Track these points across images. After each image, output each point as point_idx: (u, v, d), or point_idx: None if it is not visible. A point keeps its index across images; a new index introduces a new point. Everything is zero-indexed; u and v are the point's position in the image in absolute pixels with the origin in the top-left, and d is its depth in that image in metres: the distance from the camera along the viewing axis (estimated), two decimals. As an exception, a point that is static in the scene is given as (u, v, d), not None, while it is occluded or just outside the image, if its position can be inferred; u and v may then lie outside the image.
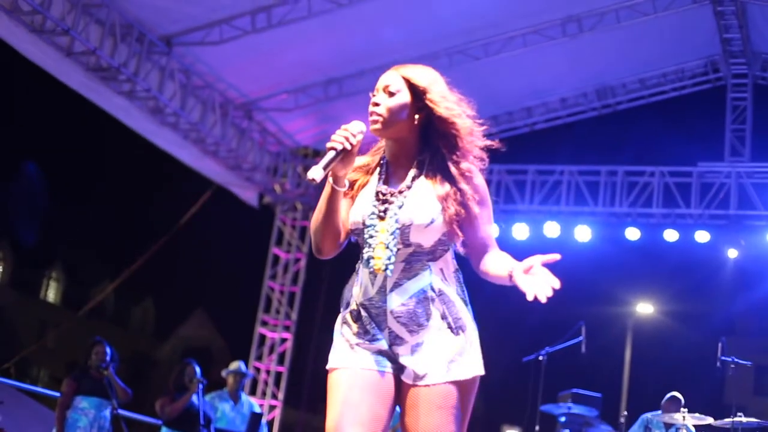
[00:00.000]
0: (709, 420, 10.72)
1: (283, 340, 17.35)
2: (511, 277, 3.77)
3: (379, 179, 4.04)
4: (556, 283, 3.65)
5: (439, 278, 3.91)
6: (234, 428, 11.27)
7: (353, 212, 4.01)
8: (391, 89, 3.99)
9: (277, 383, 17.17)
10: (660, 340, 35.38)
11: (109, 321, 48.24)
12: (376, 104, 3.99)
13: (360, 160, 4.11)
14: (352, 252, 4.11)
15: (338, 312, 4.08)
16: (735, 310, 39.65)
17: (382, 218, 3.92)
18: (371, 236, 3.91)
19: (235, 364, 11.91)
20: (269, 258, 17.63)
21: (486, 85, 16.08)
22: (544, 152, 17.37)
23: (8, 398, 11.72)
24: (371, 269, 3.90)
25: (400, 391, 3.93)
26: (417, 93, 4.00)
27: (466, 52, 15.14)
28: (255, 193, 17.34)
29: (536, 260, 3.73)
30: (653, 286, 32.55)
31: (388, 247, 3.87)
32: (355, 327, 3.98)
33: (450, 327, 3.89)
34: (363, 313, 3.96)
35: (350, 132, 3.88)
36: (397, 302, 3.88)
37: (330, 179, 3.92)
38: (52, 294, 50.48)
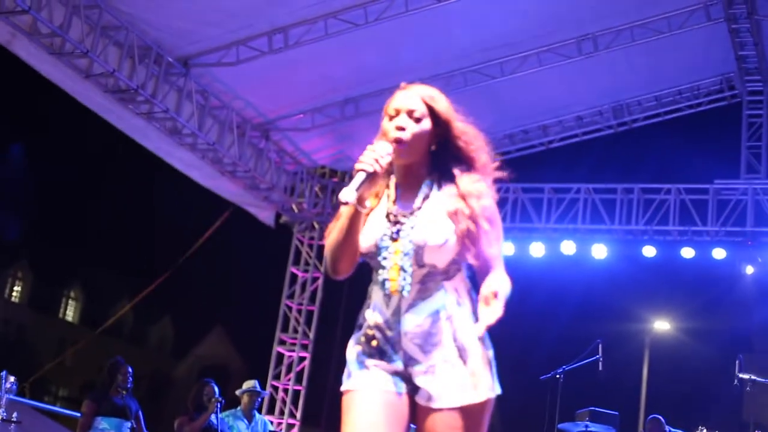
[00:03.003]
0: (727, 437, 10.75)
1: (301, 359, 17.39)
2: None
3: (389, 201, 4.02)
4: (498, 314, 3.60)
5: (454, 298, 3.90)
6: (250, 447, 11.33)
7: (365, 235, 3.98)
8: (416, 115, 4.00)
9: (294, 402, 17.19)
10: (677, 358, 35.27)
11: (128, 340, 48.39)
12: (402, 128, 3.98)
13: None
14: (368, 276, 4.10)
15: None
16: (753, 326, 39.49)
17: (395, 240, 3.91)
18: (385, 258, 3.91)
19: (250, 383, 11.94)
20: (287, 277, 17.69)
21: (502, 104, 16.17)
22: (561, 170, 17.41)
23: (26, 418, 11.77)
24: (387, 291, 3.90)
25: (415, 411, 3.91)
26: (438, 122, 4.02)
27: (481, 71, 15.21)
28: (272, 213, 17.39)
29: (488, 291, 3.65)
30: (670, 303, 32.47)
31: (402, 269, 3.87)
32: (369, 349, 3.96)
33: (462, 348, 3.85)
34: (378, 335, 3.94)
35: (379, 153, 3.89)
36: (411, 323, 3.86)
37: (353, 202, 3.88)
38: (71, 313, 50.66)
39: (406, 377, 3.91)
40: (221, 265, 42.82)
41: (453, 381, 3.82)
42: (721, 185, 15.87)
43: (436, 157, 4.04)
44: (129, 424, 9.93)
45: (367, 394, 3.89)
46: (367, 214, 4.03)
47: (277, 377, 17.23)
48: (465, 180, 3.96)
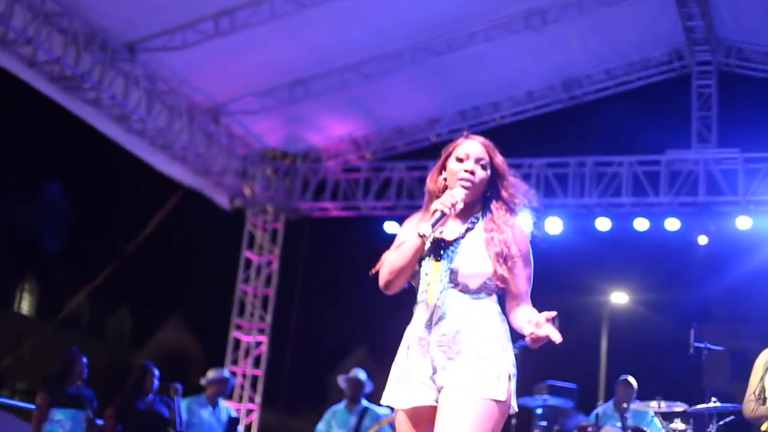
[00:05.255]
0: (684, 407, 10.79)
1: (258, 344, 17.33)
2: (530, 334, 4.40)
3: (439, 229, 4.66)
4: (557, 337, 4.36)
5: (479, 315, 4.54)
6: (211, 433, 11.27)
7: None
8: (482, 163, 4.74)
9: (253, 387, 17.14)
10: (636, 329, 35.49)
11: (86, 330, 48.02)
12: (472, 172, 4.70)
13: (418, 216, 4.87)
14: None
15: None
16: (709, 296, 39.82)
17: (437, 260, 4.63)
18: (427, 274, 4.63)
19: (218, 372, 11.89)
20: (241, 261, 17.61)
21: (451, 81, 16.15)
22: (513, 146, 17.33)
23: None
24: (425, 301, 4.61)
25: (439, 403, 4.54)
26: (495, 172, 4.76)
27: (429, 49, 15.16)
28: (227, 197, 17.29)
29: (541, 317, 4.39)
30: (627, 275, 32.66)
31: (441, 284, 4.58)
32: (407, 361, 4.64)
33: (481, 357, 4.47)
34: (414, 346, 4.62)
35: (456, 198, 4.60)
36: (439, 333, 4.52)
37: (422, 233, 4.57)
38: (26, 306, 50.23)
39: (434, 385, 4.54)
40: (176, 251, 42.56)
41: (466, 377, 4.43)
42: (672, 156, 15.95)
43: (487, 201, 4.78)
44: (84, 415, 9.84)
45: (406, 412, 4.63)
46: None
47: (234, 362, 17.16)
48: (501, 214, 4.71)
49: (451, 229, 4.68)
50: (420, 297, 4.65)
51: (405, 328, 4.75)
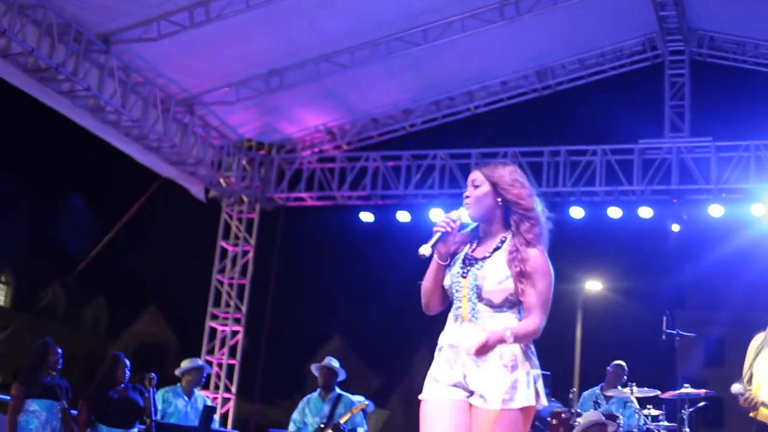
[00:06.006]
0: (656, 392, 10.90)
1: (234, 333, 17.35)
2: None
3: (470, 249, 5.11)
4: None
5: (503, 326, 4.84)
6: (187, 423, 11.29)
7: (448, 274, 5.09)
8: (475, 183, 5.12)
9: (229, 376, 17.16)
10: (610, 317, 35.68)
11: (61, 321, 47.88)
12: (467, 196, 5.11)
13: (461, 238, 5.16)
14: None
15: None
16: (682, 283, 40.08)
17: (464, 277, 5.01)
18: (457, 291, 5.02)
19: (193, 361, 11.91)
20: (217, 251, 17.63)
21: (427, 71, 16.23)
22: (487, 135, 17.50)
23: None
24: (458, 317, 5.02)
25: (472, 413, 4.93)
26: (494, 184, 5.08)
27: (405, 39, 15.21)
28: (202, 187, 17.29)
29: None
30: (601, 263, 32.84)
31: (470, 300, 4.98)
32: (441, 364, 5.02)
33: (505, 365, 4.86)
34: (447, 352, 5.01)
35: (452, 218, 5.04)
36: (468, 343, 4.84)
37: (435, 256, 5.05)
38: (2, 298, 50.08)
39: (465, 387, 4.93)
40: (152, 242, 42.53)
41: (497, 389, 4.83)
42: (645, 145, 16.07)
43: (507, 218, 5.11)
44: (59, 405, 9.86)
45: (436, 403, 4.98)
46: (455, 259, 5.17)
47: (210, 352, 17.18)
48: (522, 233, 5.02)
49: (483, 248, 5.09)
50: (455, 311, 5.05)
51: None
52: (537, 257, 4.97)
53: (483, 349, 4.74)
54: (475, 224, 5.19)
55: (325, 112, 17.06)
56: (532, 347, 4.99)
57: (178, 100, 15.54)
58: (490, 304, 4.96)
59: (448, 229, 5.02)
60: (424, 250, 4.93)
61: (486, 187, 5.09)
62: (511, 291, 4.94)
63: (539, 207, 5.09)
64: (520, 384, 4.85)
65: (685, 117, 16.12)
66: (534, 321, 4.88)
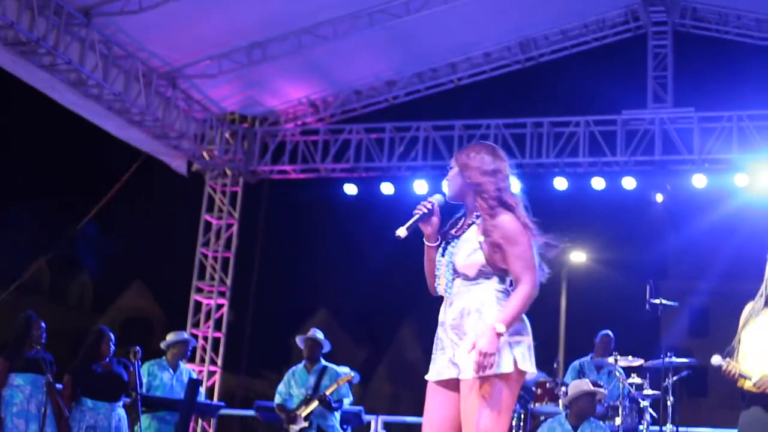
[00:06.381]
0: (640, 361, 10.96)
1: (219, 306, 17.36)
2: None
3: (453, 229, 5.40)
4: None
5: (479, 300, 5.15)
6: (173, 396, 11.30)
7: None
8: (450, 165, 5.44)
9: (215, 349, 17.18)
10: (595, 288, 35.76)
11: (47, 297, 47.78)
12: (447, 179, 5.44)
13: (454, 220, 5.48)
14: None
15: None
16: (665, 253, 40.22)
17: (443, 255, 5.30)
18: (438, 269, 5.32)
19: (178, 334, 11.90)
20: (201, 225, 17.60)
21: (409, 43, 16.19)
22: (471, 107, 17.51)
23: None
24: (439, 292, 5.32)
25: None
26: (461, 166, 5.37)
27: (387, 11, 15.15)
28: (184, 161, 17.24)
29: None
30: (585, 234, 32.84)
31: (445, 276, 5.26)
32: (435, 343, 5.30)
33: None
34: (439, 329, 5.29)
35: (428, 201, 5.31)
36: (450, 317, 5.20)
37: (424, 239, 5.36)
38: (-15, 273, 49.92)
39: (454, 361, 5.14)
40: (137, 216, 42.43)
41: (471, 359, 4.98)
42: (628, 116, 16.09)
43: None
44: (44, 379, 9.84)
45: (431, 384, 5.29)
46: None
47: (196, 325, 17.19)
48: (486, 211, 5.25)
49: (460, 226, 5.38)
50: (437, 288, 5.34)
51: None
52: (503, 224, 5.18)
53: (485, 360, 4.90)
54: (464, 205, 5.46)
55: (307, 85, 17.02)
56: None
57: (160, 73, 15.48)
58: (466, 278, 5.21)
59: (425, 210, 5.27)
60: (400, 231, 5.18)
61: (455, 169, 5.39)
62: (482, 263, 5.17)
63: (503, 182, 5.31)
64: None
65: (668, 88, 16.13)
66: (522, 289, 5.09)
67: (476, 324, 5.06)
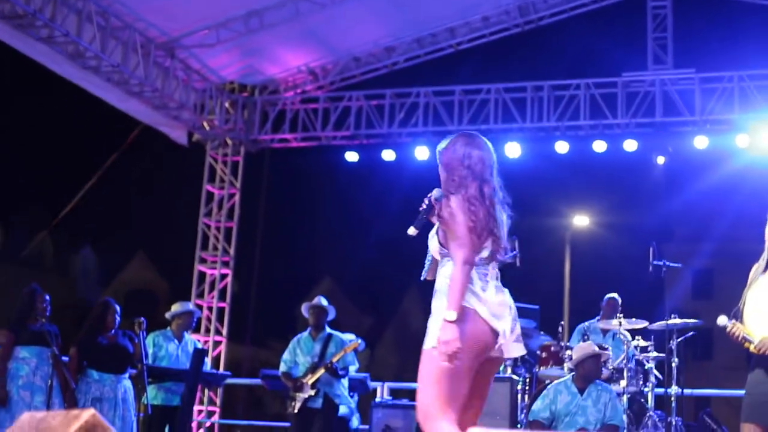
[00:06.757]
0: (645, 324, 10.96)
1: (223, 276, 17.38)
2: None
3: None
4: None
5: (443, 280, 5.39)
6: (179, 366, 11.32)
7: None
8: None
9: (220, 319, 17.21)
10: (599, 251, 35.78)
11: (51, 271, 47.86)
12: None
13: None
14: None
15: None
16: (668, 215, 40.19)
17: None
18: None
19: (183, 305, 11.90)
20: (203, 195, 17.59)
21: (408, 8, 16.12)
22: (470, 72, 17.43)
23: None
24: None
25: None
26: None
27: (385, -24, 15.11)
28: (184, 132, 17.22)
29: None
30: (587, 197, 32.88)
31: (426, 260, 5.63)
32: None
33: (433, 314, 5.40)
34: None
35: (428, 196, 5.51)
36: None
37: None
38: (-10, 248, 50.04)
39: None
40: (138, 188, 42.43)
41: (429, 332, 5.34)
42: (629, 77, 16.03)
43: None
44: (50, 351, 9.85)
45: None
46: None
47: (200, 296, 17.21)
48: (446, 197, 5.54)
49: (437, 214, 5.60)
50: None
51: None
52: (450, 204, 5.41)
53: (446, 347, 5.15)
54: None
55: (306, 52, 16.96)
56: (477, 287, 5.33)
57: (158, 44, 15.43)
58: (438, 260, 5.53)
59: (424, 206, 5.51)
60: (411, 231, 5.47)
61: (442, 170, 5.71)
62: (440, 247, 5.46)
63: (471, 168, 5.56)
64: (436, 327, 5.29)
65: (668, 49, 16.06)
66: (454, 269, 5.31)
67: (436, 304, 5.39)
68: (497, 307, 5.36)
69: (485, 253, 5.39)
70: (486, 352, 5.31)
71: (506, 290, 5.50)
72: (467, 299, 5.26)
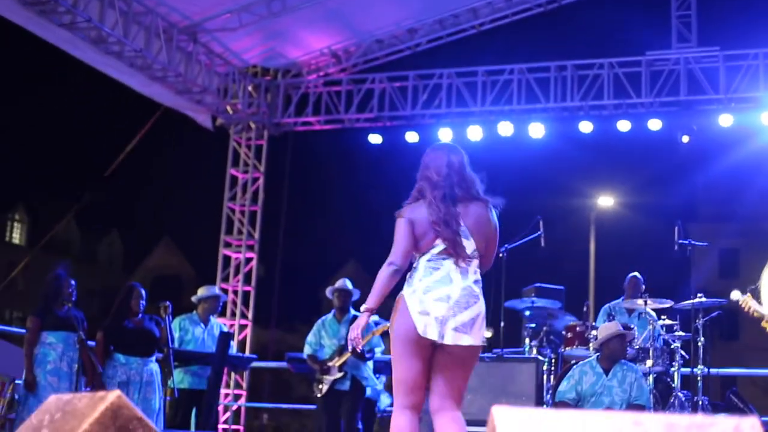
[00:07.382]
0: (670, 303, 10.91)
1: (248, 260, 17.41)
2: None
3: None
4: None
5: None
6: (205, 350, 11.35)
7: None
8: None
9: (245, 303, 17.25)
10: (624, 231, 35.72)
11: (77, 257, 48.12)
12: None
13: None
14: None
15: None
16: (694, 194, 40.08)
17: None
18: None
19: (209, 289, 11.92)
20: (227, 179, 17.61)
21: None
22: (493, 53, 17.38)
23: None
24: None
25: None
26: None
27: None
28: (208, 116, 17.24)
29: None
30: (612, 177, 32.79)
31: None
32: None
33: None
34: None
35: None
36: None
37: None
38: (17, 235, 50.30)
39: None
40: (163, 173, 42.60)
41: None
42: (653, 56, 15.94)
43: None
44: (76, 336, 9.89)
45: None
46: None
47: (225, 280, 17.25)
48: None
49: None
50: None
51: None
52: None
53: (351, 333, 5.99)
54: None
55: (328, 35, 16.93)
56: (415, 279, 5.88)
57: (180, 28, 15.45)
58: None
59: None
60: None
61: None
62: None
63: (428, 177, 5.93)
64: None
65: (692, 27, 15.96)
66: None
67: None
68: (429, 300, 5.74)
69: (437, 249, 5.85)
70: (411, 341, 5.74)
71: (466, 281, 5.84)
72: (403, 291, 5.87)
